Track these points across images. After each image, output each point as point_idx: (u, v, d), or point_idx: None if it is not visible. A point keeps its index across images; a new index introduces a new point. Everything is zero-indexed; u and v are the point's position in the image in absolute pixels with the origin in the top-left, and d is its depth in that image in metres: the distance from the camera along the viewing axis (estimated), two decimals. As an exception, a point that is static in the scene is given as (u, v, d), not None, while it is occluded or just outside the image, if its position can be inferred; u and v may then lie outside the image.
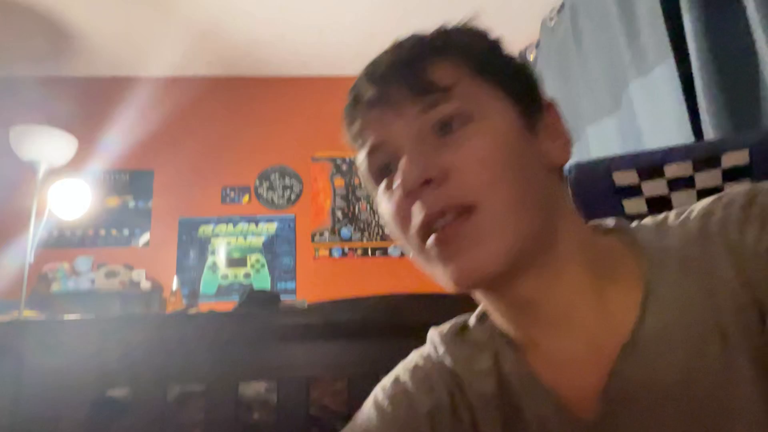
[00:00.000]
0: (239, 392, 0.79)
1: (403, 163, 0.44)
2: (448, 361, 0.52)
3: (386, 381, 0.54)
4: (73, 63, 3.45)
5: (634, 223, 0.50)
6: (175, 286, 3.10)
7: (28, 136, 2.57)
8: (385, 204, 0.48)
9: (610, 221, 0.50)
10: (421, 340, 0.56)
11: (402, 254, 3.47)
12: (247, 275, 3.41)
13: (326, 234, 3.52)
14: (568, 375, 0.45)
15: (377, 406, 0.52)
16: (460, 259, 0.42)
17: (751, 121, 1.27)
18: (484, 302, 0.50)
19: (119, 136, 3.46)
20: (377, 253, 3.50)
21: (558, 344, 0.46)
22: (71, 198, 2.94)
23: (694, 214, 0.45)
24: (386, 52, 0.50)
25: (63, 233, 3.36)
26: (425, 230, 0.43)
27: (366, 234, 3.53)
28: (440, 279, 0.45)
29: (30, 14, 2.95)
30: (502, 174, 0.43)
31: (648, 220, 0.49)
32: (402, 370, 0.54)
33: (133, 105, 3.50)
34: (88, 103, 3.51)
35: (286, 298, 2.25)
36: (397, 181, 0.44)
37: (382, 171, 0.48)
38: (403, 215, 0.45)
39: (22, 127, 2.59)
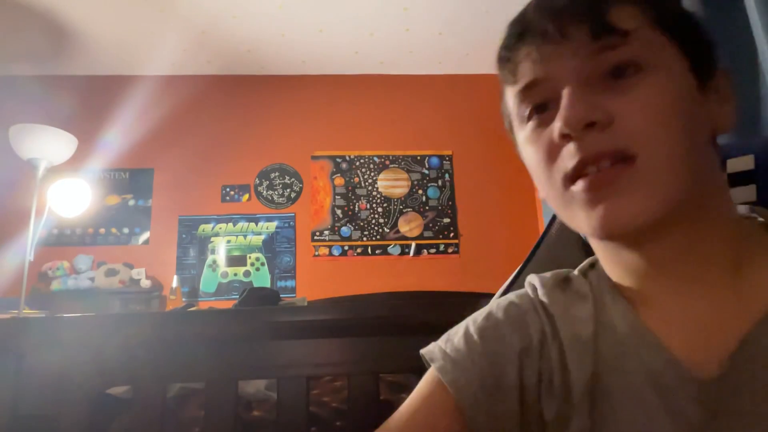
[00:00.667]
0: (239, 390, 0.79)
1: (567, 101, 0.43)
2: (546, 300, 0.52)
3: (478, 315, 0.54)
4: (72, 62, 3.45)
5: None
6: (174, 284, 3.11)
7: (28, 135, 2.57)
8: (531, 143, 0.47)
9: (744, 208, 0.51)
10: (420, 339, 0.56)
11: (401, 253, 3.47)
12: (246, 273, 3.41)
13: (326, 232, 3.52)
14: (686, 334, 0.45)
15: (467, 337, 0.52)
16: (611, 206, 0.42)
17: (751, 119, 1.27)
18: (602, 253, 0.50)
19: (119, 134, 3.47)
20: (377, 251, 3.50)
21: (681, 303, 0.46)
22: (71, 196, 2.94)
23: None
24: None
25: (63, 232, 3.36)
26: (575, 174, 0.43)
27: (366, 233, 3.53)
28: (579, 224, 0.45)
29: (30, 13, 2.95)
30: (669, 128, 0.42)
31: None
32: (495, 306, 0.54)
33: (133, 104, 3.50)
34: (87, 101, 3.51)
35: (286, 297, 2.26)
36: (558, 121, 0.43)
37: (535, 109, 0.47)
38: (552, 155, 0.45)
39: (22, 125, 2.59)
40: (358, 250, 3.50)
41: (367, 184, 3.62)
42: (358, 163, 3.65)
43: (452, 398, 0.48)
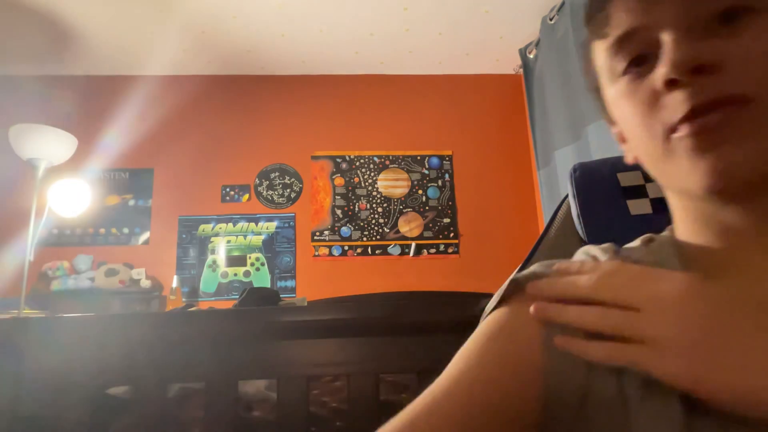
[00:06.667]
0: (239, 390, 0.79)
1: (672, 44, 0.40)
2: None
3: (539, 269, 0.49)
4: (72, 62, 3.45)
5: None
6: (174, 284, 3.11)
7: (28, 135, 2.57)
8: (626, 97, 0.44)
9: None
10: (420, 339, 0.56)
11: (401, 253, 3.47)
12: (247, 274, 3.41)
13: (326, 233, 3.52)
14: None
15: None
16: (724, 153, 0.38)
17: None
18: (689, 214, 0.45)
19: (119, 134, 3.47)
20: (377, 251, 3.50)
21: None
22: (71, 196, 2.93)
23: None
24: None
25: (63, 232, 3.36)
26: (683, 124, 0.39)
27: (366, 233, 3.53)
28: (682, 177, 0.41)
29: (30, 13, 2.95)
30: None
31: None
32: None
33: (133, 104, 3.50)
34: (87, 101, 3.51)
35: (286, 297, 2.26)
36: (663, 66, 0.40)
37: (630, 63, 0.44)
38: (653, 106, 0.42)
39: (22, 125, 2.59)
40: (358, 250, 3.50)
41: (367, 184, 3.62)
42: (358, 163, 3.65)
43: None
